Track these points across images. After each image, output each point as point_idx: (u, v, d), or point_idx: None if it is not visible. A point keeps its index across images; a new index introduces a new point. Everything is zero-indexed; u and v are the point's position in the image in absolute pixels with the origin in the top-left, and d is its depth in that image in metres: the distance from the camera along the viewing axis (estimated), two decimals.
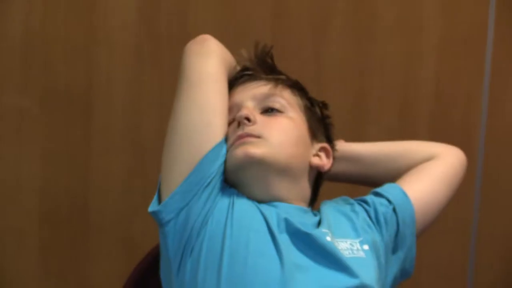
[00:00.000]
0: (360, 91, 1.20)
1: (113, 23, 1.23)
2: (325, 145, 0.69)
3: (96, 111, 1.24)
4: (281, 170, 0.62)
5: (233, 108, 0.65)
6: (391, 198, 0.69)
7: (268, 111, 0.65)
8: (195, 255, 0.59)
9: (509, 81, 1.19)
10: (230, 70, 0.70)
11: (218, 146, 0.62)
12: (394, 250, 0.68)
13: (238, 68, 0.70)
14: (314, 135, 0.67)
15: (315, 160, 0.67)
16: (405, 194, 0.69)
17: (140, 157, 1.24)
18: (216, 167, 0.61)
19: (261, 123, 0.62)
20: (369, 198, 0.70)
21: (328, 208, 0.68)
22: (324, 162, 0.68)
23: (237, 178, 0.62)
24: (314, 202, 0.70)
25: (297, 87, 0.69)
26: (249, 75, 0.68)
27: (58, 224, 1.28)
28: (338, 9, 1.19)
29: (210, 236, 0.59)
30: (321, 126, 0.70)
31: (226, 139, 0.63)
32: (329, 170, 0.69)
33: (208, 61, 0.67)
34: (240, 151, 0.60)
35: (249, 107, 0.64)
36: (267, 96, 0.66)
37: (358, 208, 0.68)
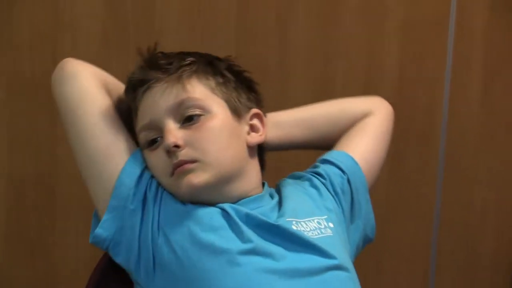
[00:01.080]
0: (324, 76, 1.20)
1: (79, 9, 1.23)
2: (253, 111, 0.67)
3: None
4: (229, 177, 0.62)
5: (151, 125, 0.61)
6: (343, 167, 0.70)
7: (188, 120, 0.61)
8: (163, 260, 0.59)
9: (471, 64, 1.19)
10: (110, 80, 0.68)
11: (127, 167, 0.62)
12: (352, 220, 0.70)
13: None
14: (239, 114, 0.65)
15: (251, 139, 0.66)
16: (355, 162, 0.71)
17: None
18: (133, 184, 0.61)
19: (190, 143, 0.59)
20: (322, 169, 0.70)
21: (288, 189, 0.68)
22: (259, 135, 0.67)
23: (191, 200, 0.62)
24: (263, 171, 0.70)
25: (200, 69, 0.64)
26: (148, 80, 0.62)
27: (25, 210, 1.27)
28: None
29: (170, 244, 0.59)
30: (240, 91, 0.66)
31: (139, 152, 0.63)
32: (266, 139, 0.68)
33: (74, 83, 0.64)
34: (184, 184, 0.59)
35: (171, 129, 0.59)
36: (180, 105, 0.60)
37: (316, 182, 0.69)
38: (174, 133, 0.59)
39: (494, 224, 1.22)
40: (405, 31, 1.18)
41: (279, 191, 0.68)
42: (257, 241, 0.58)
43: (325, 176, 0.69)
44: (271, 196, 0.67)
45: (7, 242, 1.26)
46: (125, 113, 0.66)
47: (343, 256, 0.62)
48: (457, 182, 1.20)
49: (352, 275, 0.62)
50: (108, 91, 0.66)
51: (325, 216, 0.64)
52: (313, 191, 0.68)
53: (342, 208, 0.68)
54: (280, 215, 0.62)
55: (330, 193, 0.68)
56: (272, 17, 1.19)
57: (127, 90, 0.65)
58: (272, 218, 0.62)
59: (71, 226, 1.25)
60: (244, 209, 0.61)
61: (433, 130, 1.18)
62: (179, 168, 0.59)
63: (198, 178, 0.59)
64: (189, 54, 0.66)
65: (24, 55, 1.23)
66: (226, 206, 0.60)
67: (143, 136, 0.63)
